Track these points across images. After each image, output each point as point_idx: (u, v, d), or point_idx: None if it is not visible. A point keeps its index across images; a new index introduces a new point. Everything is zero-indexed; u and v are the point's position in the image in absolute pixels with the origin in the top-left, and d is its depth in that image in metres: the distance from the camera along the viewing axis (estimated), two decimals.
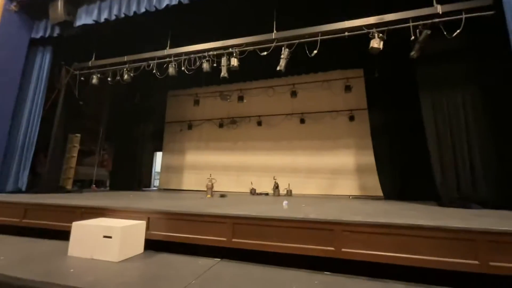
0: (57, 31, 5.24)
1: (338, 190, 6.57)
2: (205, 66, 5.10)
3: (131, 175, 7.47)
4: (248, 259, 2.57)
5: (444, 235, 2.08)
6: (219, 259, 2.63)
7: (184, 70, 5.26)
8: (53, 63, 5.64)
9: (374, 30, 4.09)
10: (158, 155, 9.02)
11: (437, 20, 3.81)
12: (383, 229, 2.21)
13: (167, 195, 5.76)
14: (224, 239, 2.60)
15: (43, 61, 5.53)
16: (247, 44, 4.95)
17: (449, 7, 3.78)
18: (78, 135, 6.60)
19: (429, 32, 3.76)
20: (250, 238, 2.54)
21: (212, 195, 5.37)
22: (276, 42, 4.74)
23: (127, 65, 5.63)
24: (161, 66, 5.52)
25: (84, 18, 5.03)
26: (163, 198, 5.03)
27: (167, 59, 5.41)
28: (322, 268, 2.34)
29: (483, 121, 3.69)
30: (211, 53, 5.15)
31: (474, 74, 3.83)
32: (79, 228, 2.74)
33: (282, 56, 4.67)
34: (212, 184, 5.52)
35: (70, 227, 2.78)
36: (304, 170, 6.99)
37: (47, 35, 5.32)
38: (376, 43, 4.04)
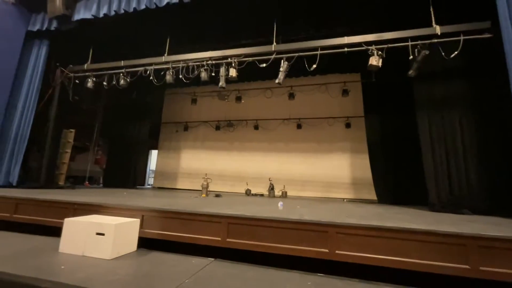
0: (54, 24, 5.18)
1: (333, 193, 6.62)
2: (203, 75, 5.07)
3: (125, 173, 7.39)
4: (242, 259, 2.57)
5: (436, 239, 2.11)
6: (213, 259, 2.62)
7: (181, 78, 5.22)
8: (50, 57, 5.56)
9: (373, 47, 4.13)
10: (154, 153, 8.96)
11: (435, 40, 3.86)
12: (376, 232, 2.24)
13: (162, 194, 5.72)
14: (219, 238, 2.60)
15: (39, 54, 5.46)
16: (246, 55, 4.95)
17: (447, 28, 3.84)
18: (73, 130, 6.52)
19: (427, 52, 3.81)
20: (244, 238, 2.54)
21: (207, 195, 5.35)
22: (276, 55, 4.76)
23: (123, 70, 5.54)
24: (158, 72, 5.47)
25: (83, 13, 4.98)
26: (157, 196, 5.00)
27: (165, 66, 5.37)
28: (315, 269, 2.36)
29: (475, 131, 3.77)
30: (209, 62, 5.13)
31: (470, 93, 3.88)
32: (71, 225, 2.71)
33: (281, 69, 4.66)
34: (208, 184, 5.51)
35: (61, 223, 2.73)
36: (300, 172, 7.03)
37: (44, 28, 5.26)
38: (375, 61, 4.07)
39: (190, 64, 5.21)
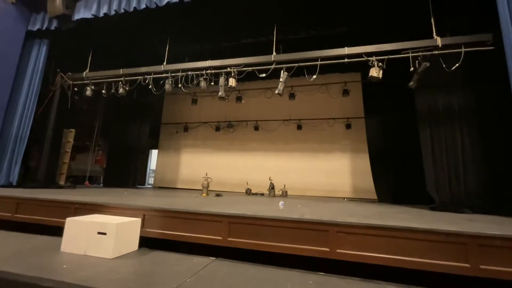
0: (54, 24, 5.18)
1: (333, 192, 6.64)
2: (202, 84, 5.07)
3: (125, 172, 7.39)
4: (243, 258, 2.57)
5: (436, 238, 2.12)
6: (214, 258, 2.62)
7: (181, 87, 5.22)
8: (50, 56, 5.56)
9: (373, 58, 4.09)
10: (154, 153, 8.96)
11: (436, 52, 3.83)
12: (377, 231, 2.25)
13: (162, 193, 5.72)
14: (220, 238, 2.60)
15: (39, 54, 5.45)
16: (246, 65, 4.94)
17: (449, 40, 3.82)
18: (73, 130, 6.52)
19: (428, 64, 3.77)
20: (246, 237, 2.55)
21: (207, 194, 5.35)
22: (275, 65, 4.75)
23: (122, 79, 5.53)
24: (157, 81, 5.47)
25: (83, 12, 4.98)
26: (158, 195, 5.00)
27: (164, 75, 5.37)
28: (316, 268, 2.37)
29: (475, 132, 3.79)
30: (208, 71, 5.12)
31: (471, 100, 3.88)
32: (73, 224, 2.71)
33: (280, 80, 4.63)
34: (208, 183, 5.51)
35: (63, 222, 2.74)
36: (300, 172, 7.05)
37: (44, 28, 5.25)
38: (375, 72, 4.03)
39: (189, 73, 5.21)
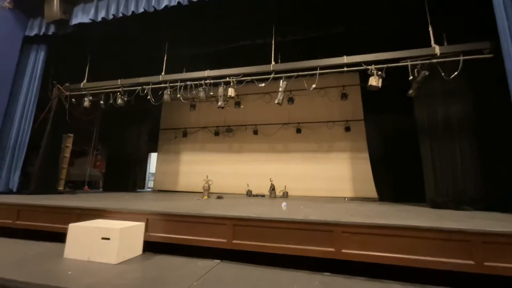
0: (52, 29, 5.16)
1: (334, 192, 6.65)
2: (202, 94, 5.09)
3: (125, 176, 7.36)
4: (247, 260, 2.57)
5: (440, 235, 2.14)
6: (219, 261, 2.62)
7: (179, 98, 5.23)
8: (48, 62, 5.52)
9: (372, 67, 4.10)
10: (153, 156, 8.92)
11: (435, 61, 3.84)
12: (382, 230, 2.26)
13: (163, 197, 5.70)
14: (224, 240, 2.60)
15: (37, 59, 5.43)
16: (245, 75, 4.95)
17: (447, 49, 3.84)
18: (71, 135, 6.47)
19: (427, 73, 3.77)
20: (250, 239, 2.55)
21: (208, 197, 5.34)
22: (274, 74, 4.76)
23: (120, 89, 5.52)
24: (156, 90, 5.48)
25: (81, 17, 4.96)
26: (159, 199, 4.99)
27: (162, 85, 5.37)
28: (321, 269, 2.37)
29: (475, 140, 3.81)
30: (207, 81, 5.14)
31: (470, 112, 3.89)
32: (76, 230, 2.70)
33: (280, 89, 4.63)
34: (209, 186, 5.50)
35: (66, 228, 2.73)
36: (300, 172, 7.06)
37: (41, 33, 5.23)
38: (374, 81, 4.03)
39: (188, 83, 5.22)
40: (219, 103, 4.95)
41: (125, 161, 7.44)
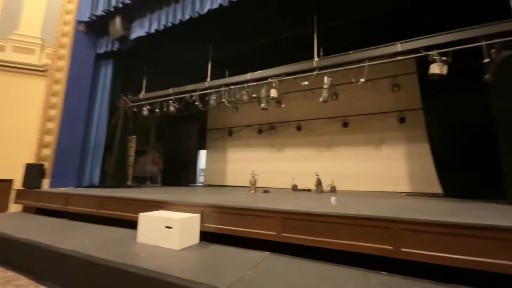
0: (116, 45, 5.94)
1: (387, 187, 6.13)
2: (245, 98, 5.28)
3: (179, 172, 8.11)
4: (295, 254, 2.59)
5: None
6: (269, 253, 2.70)
7: (224, 102, 5.52)
8: (114, 75, 6.39)
9: (434, 52, 3.49)
10: (202, 153, 9.59)
11: None
12: (451, 229, 2.01)
13: (214, 190, 6.09)
14: (274, 233, 2.66)
15: (106, 73, 6.33)
16: (287, 74, 4.90)
17: None
18: (135, 136, 7.40)
19: (508, 53, 3.11)
20: (299, 233, 2.56)
21: (255, 191, 5.50)
22: (318, 71, 4.53)
23: (172, 98, 6.11)
24: (203, 96, 5.93)
25: (138, 31, 5.59)
26: (210, 193, 5.35)
27: (208, 91, 5.77)
28: (372, 267, 2.24)
29: None
30: (250, 84, 5.27)
31: None
32: (145, 219, 3.10)
33: (324, 86, 4.36)
34: (255, 180, 5.66)
35: (136, 217, 3.15)
36: (349, 166, 6.68)
37: (109, 49, 6.06)
38: (437, 68, 3.43)
39: (231, 87, 5.46)
40: (262, 105, 5.02)
41: (179, 158, 8.18)
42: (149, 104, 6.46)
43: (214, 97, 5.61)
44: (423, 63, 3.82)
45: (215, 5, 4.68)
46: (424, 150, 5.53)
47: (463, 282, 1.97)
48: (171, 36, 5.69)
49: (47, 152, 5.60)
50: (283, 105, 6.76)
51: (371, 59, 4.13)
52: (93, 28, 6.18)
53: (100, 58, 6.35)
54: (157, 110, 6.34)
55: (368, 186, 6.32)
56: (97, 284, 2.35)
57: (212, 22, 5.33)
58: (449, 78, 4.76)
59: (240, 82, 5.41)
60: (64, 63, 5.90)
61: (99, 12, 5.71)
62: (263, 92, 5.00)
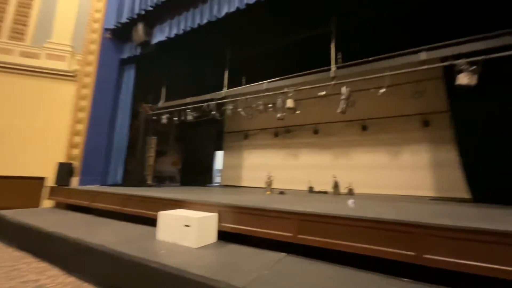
0: (139, 50, 6.21)
1: (409, 191, 5.87)
2: (261, 107, 5.31)
3: (197, 172, 8.31)
4: (311, 256, 2.56)
5: None
6: (285, 254, 2.70)
7: (241, 113, 5.61)
8: (136, 79, 6.67)
9: (463, 61, 3.28)
10: (219, 154, 9.75)
11: None
12: (478, 236, 1.90)
13: (230, 191, 6.17)
14: (290, 234, 2.65)
15: (129, 77, 6.64)
16: (304, 83, 4.88)
17: None
18: (155, 137, 7.68)
19: None
20: (316, 235, 2.53)
21: (271, 192, 5.51)
22: (336, 80, 4.43)
23: (190, 106, 6.29)
24: (219, 104, 6.04)
25: (159, 36, 5.82)
26: (227, 193, 5.43)
27: (224, 100, 5.89)
28: (390, 274, 2.17)
29: None
30: (266, 93, 5.30)
31: None
32: (164, 217, 3.21)
33: (342, 97, 4.25)
34: (271, 181, 5.66)
35: (156, 215, 3.27)
36: (367, 169, 6.48)
37: (132, 55, 6.36)
38: (466, 79, 3.22)
39: (248, 97, 5.51)
40: (278, 115, 5.02)
41: (197, 159, 8.39)
42: (168, 112, 6.69)
43: (231, 107, 5.70)
44: (450, 69, 3.57)
45: (232, 9, 4.77)
46: (449, 154, 5.25)
47: None
48: (190, 40, 5.86)
49: (76, 152, 5.99)
50: (297, 112, 6.63)
51: (392, 68, 3.92)
52: (117, 34, 6.52)
53: (123, 63, 6.68)
54: (175, 119, 6.57)
55: (388, 189, 6.09)
56: (120, 277, 2.48)
57: (230, 24, 5.42)
58: (480, 81, 4.48)
59: (256, 92, 5.45)
60: (91, 69, 6.28)
61: (124, 19, 6.02)
62: (279, 102, 4.99)
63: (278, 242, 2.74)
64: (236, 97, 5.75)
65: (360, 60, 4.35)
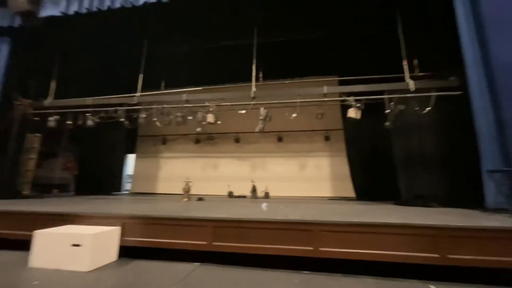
0: (17, 22, 4.77)
1: (313, 192, 6.83)
2: (179, 120, 4.98)
3: (100, 179, 7.00)
4: (228, 262, 2.55)
5: (411, 231, 2.28)
6: (199, 264, 2.58)
7: (156, 122, 5.13)
8: (13, 59, 5.06)
9: (351, 98, 4.29)
10: (130, 157, 8.57)
11: (409, 95, 4.09)
12: (358, 228, 2.35)
13: (141, 199, 5.49)
14: (205, 242, 2.56)
15: (1, 53, 4.99)
16: (225, 100, 4.98)
17: (420, 84, 4.15)
18: (38, 134, 6.02)
19: (402, 107, 4.03)
20: (231, 241, 2.54)
21: (189, 199, 5.23)
22: (255, 101, 4.81)
23: (90, 110, 5.25)
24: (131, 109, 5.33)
25: (50, 9, 4.64)
26: (137, 202, 4.80)
27: (137, 107, 5.22)
28: (302, 268, 2.42)
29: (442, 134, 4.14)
30: (185, 105, 5.05)
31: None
32: (43, 237, 2.51)
33: (260, 118, 4.58)
34: (189, 187, 5.39)
35: (30, 236, 2.53)
36: (281, 174, 7.21)
37: (5, 25, 4.82)
38: (353, 113, 4.15)
39: (164, 106, 5.11)
40: (198, 129, 4.90)
41: (100, 162, 7.08)
42: (58, 113, 5.32)
43: (144, 115, 5.09)
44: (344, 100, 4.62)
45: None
46: (342, 161, 6.46)
47: (371, 273, 2.30)
48: (100, 27, 4.97)
49: None
50: (218, 122, 6.51)
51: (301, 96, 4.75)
52: None
53: None
54: (69, 122, 5.30)
55: (298, 192, 6.89)
56: None
57: (149, 14, 4.92)
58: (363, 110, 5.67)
59: (175, 102, 5.14)
60: None
61: None
62: (199, 115, 4.84)
63: (193, 252, 2.59)
64: (152, 104, 5.19)
65: (277, 82, 5.24)
